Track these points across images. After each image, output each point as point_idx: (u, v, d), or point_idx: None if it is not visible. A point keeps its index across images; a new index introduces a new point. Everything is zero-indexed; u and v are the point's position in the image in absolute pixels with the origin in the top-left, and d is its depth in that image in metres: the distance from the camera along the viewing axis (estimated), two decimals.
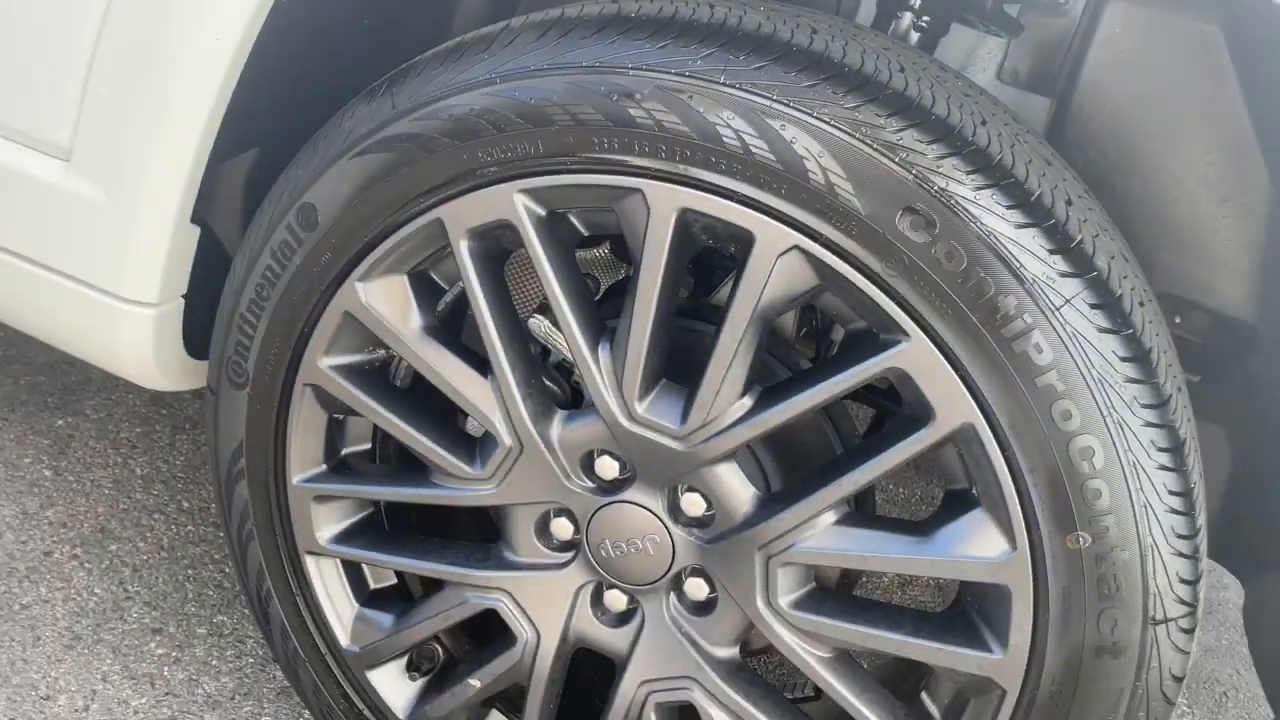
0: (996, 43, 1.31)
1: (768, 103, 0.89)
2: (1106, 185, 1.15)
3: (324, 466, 1.19)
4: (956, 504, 0.98)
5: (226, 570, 1.61)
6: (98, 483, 1.71)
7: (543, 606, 1.16)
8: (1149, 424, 0.89)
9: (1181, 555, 0.91)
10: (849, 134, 0.88)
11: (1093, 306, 0.87)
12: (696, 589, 1.11)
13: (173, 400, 1.90)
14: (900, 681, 1.15)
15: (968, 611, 1.02)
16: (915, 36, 1.17)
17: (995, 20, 1.13)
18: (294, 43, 1.10)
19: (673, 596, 1.12)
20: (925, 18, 1.15)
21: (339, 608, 1.23)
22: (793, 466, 1.09)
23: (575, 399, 1.13)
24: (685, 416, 1.01)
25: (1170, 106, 1.10)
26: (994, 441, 0.91)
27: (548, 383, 1.11)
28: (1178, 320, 1.22)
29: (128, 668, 1.44)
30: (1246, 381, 1.18)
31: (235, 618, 1.54)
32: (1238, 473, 1.23)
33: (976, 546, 0.96)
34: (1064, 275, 0.87)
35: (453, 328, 1.14)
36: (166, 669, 1.45)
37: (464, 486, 1.12)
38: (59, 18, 1.12)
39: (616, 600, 1.15)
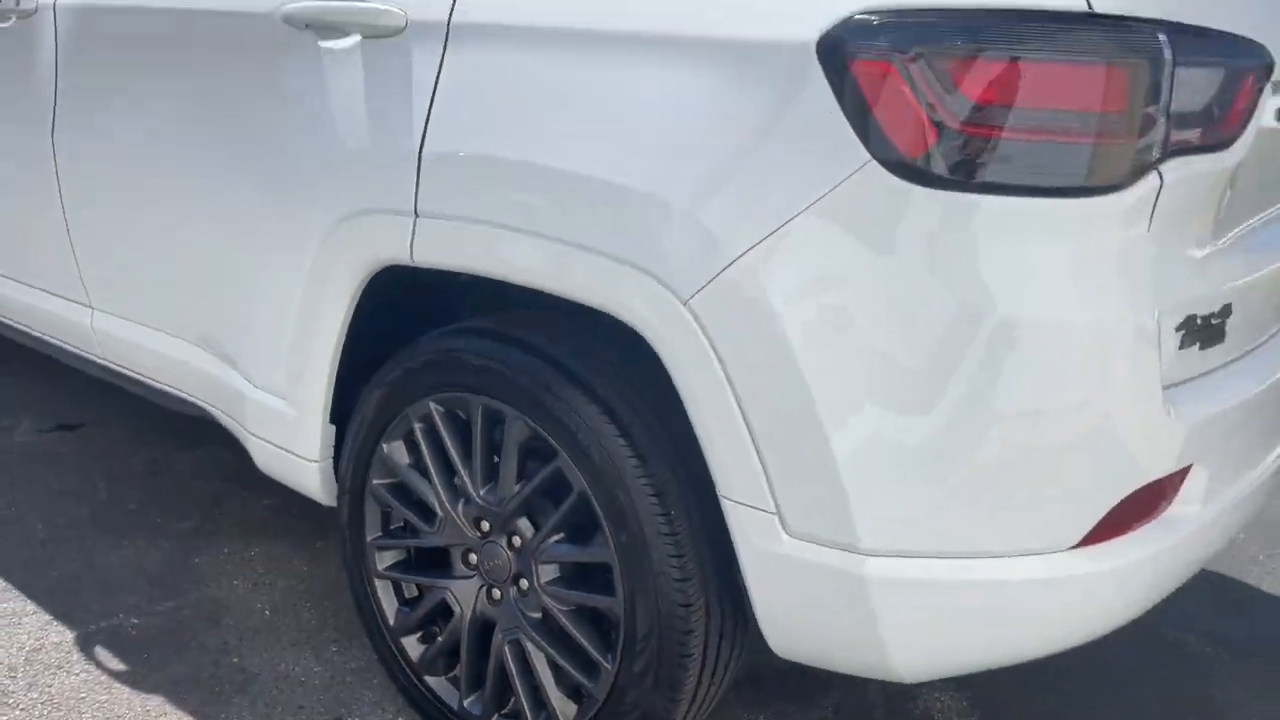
0: None
1: (511, 371, 2.21)
2: None
3: (380, 532, 2.57)
4: (594, 531, 2.19)
5: None
6: (328, 570, 3.20)
7: (465, 595, 2.44)
8: (643, 482, 2.07)
9: (667, 542, 2.06)
10: (533, 383, 2.18)
11: (617, 436, 2.09)
12: (522, 583, 2.35)
13: None
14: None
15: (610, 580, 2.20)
16: None
17: None
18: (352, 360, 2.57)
19: (514, 588, 2.37)
20: None
21: (389, 605, 2.58)
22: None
23: None
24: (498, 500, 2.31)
25: None
26: (593, 497, 2.13)
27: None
28: None
29: (318, 636, 2.85)
30: None
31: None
32: None
33: (597, 546, 2.16)
34: (613, 433, 2.10)
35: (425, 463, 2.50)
36: (337, 643, 2.85)
37: (428, 538, 2.46)
38: (286, 340, 2.66)
39: (494, 593, 2.41)
